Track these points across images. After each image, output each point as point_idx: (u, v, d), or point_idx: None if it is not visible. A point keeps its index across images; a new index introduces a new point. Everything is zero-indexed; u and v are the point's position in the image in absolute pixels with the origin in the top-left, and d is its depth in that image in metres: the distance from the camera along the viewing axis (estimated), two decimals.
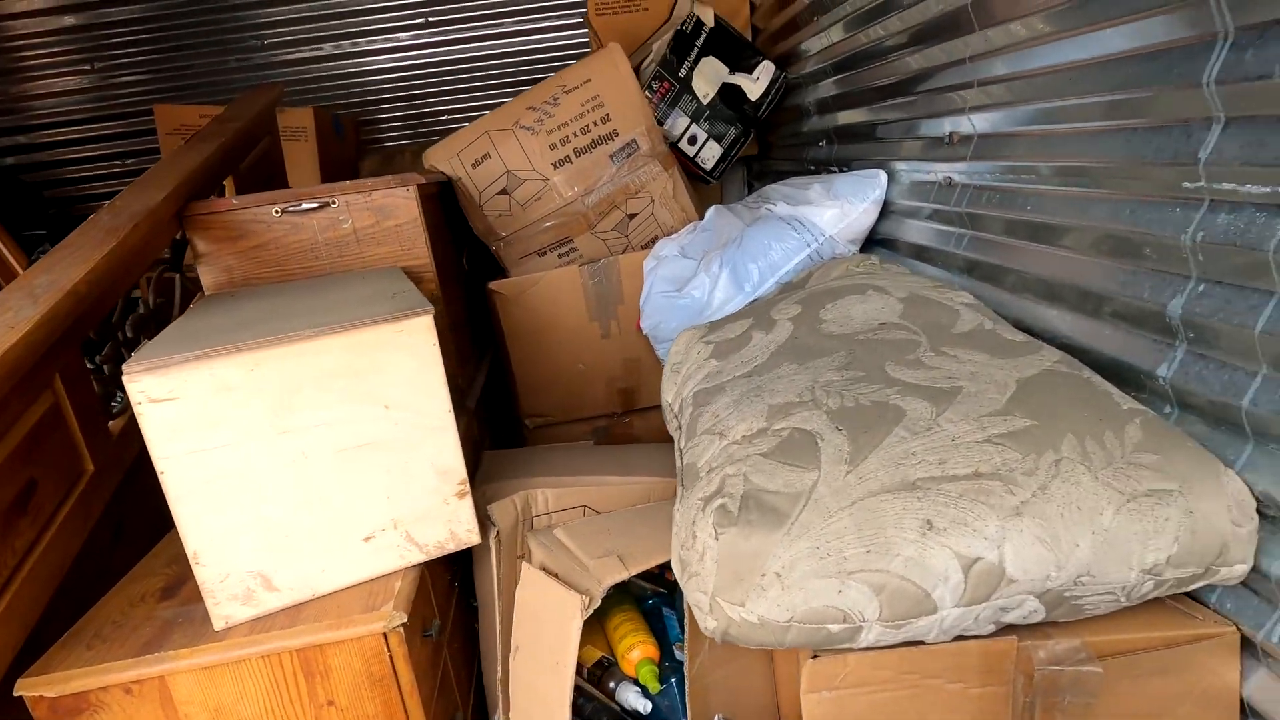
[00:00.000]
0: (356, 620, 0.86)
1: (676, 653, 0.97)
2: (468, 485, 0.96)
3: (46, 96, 2.54)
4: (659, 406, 1.81)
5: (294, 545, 0.88)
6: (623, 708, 0.93)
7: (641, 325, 1.60)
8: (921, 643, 0.69)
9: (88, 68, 2.49)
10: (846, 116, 1.65)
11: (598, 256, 1.67)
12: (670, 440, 1.56)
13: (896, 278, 1.15)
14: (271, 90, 1.95)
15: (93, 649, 0.85)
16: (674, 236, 1.66)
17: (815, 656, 0.70)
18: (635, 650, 0.94)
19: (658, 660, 0.94)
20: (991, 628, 0.69)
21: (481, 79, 2.58)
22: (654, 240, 1.70)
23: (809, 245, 1.43)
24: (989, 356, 0.86)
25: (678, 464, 0.99)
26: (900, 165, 1.40)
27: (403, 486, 0.92)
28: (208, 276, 1.38)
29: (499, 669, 0.99)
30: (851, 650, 0.69)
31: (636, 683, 0.94)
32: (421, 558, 0.96)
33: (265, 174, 1.87)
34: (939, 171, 1.24)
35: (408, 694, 0.90)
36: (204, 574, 0.84)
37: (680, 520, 0.77)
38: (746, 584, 0.67)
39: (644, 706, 0.90)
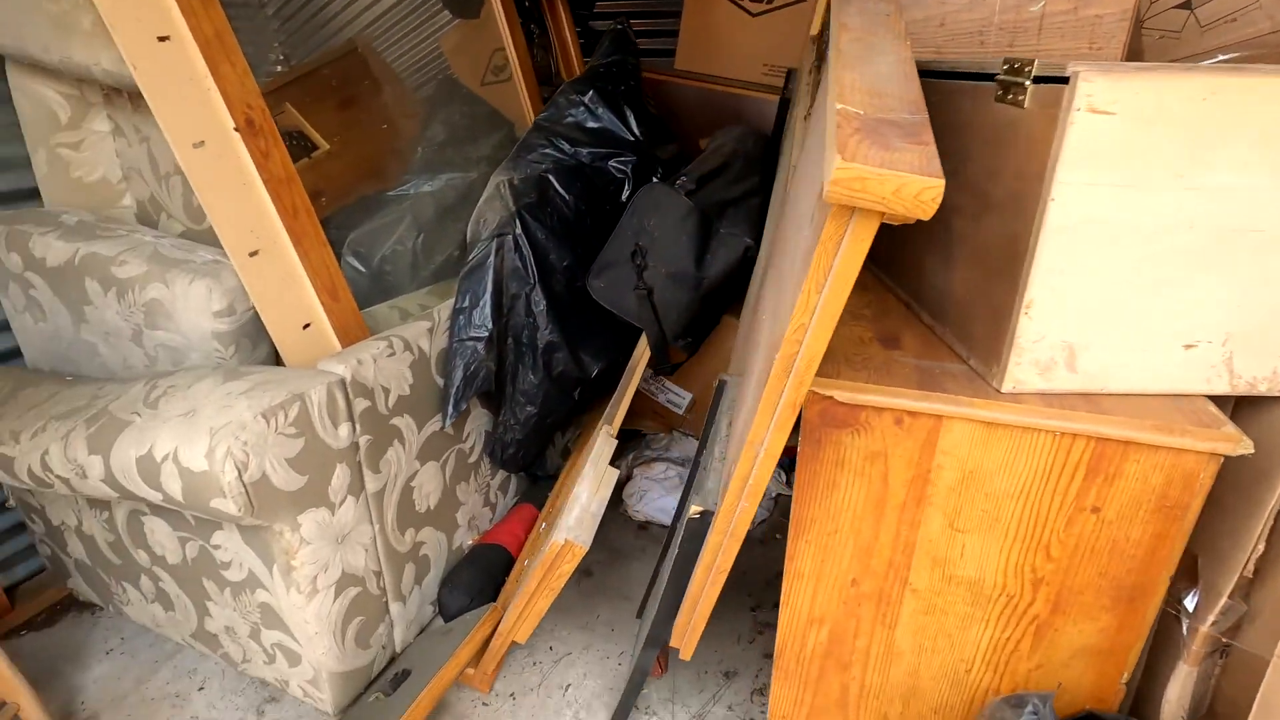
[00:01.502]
0: (1189, 432, 0.73)
1: None
2: None
3: None
4: None
5: (1116, 326, 0.76)
6: None
7: None
8: None
9: None
10: None
11: None
12: None
13: None
14: None
15: (860, 373, 0.83)
16: None
17: None
18: None
19: None
20: None
21: None
22: None
23: None
24: None
25: None
26: None
27: (1260, 296, 0.74)
28: None
29: (1259, 547, 0.82)
30: None
31: None
32: (1225, 390, 0.79)
33: None
34: None
35: (1184, 534, 0.77)
36: (1025, 328, 0.76)
37: None
38: None
39: None
